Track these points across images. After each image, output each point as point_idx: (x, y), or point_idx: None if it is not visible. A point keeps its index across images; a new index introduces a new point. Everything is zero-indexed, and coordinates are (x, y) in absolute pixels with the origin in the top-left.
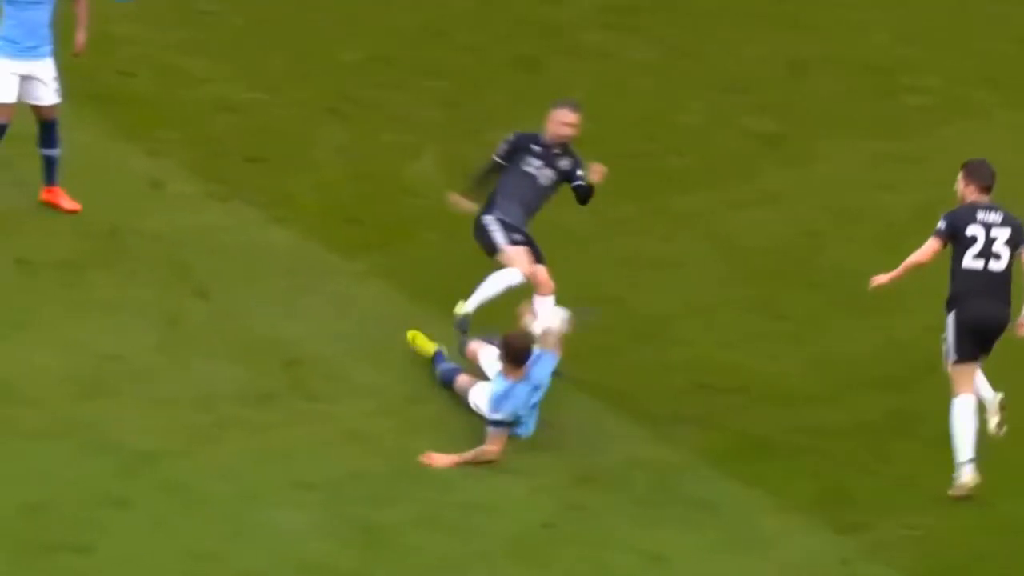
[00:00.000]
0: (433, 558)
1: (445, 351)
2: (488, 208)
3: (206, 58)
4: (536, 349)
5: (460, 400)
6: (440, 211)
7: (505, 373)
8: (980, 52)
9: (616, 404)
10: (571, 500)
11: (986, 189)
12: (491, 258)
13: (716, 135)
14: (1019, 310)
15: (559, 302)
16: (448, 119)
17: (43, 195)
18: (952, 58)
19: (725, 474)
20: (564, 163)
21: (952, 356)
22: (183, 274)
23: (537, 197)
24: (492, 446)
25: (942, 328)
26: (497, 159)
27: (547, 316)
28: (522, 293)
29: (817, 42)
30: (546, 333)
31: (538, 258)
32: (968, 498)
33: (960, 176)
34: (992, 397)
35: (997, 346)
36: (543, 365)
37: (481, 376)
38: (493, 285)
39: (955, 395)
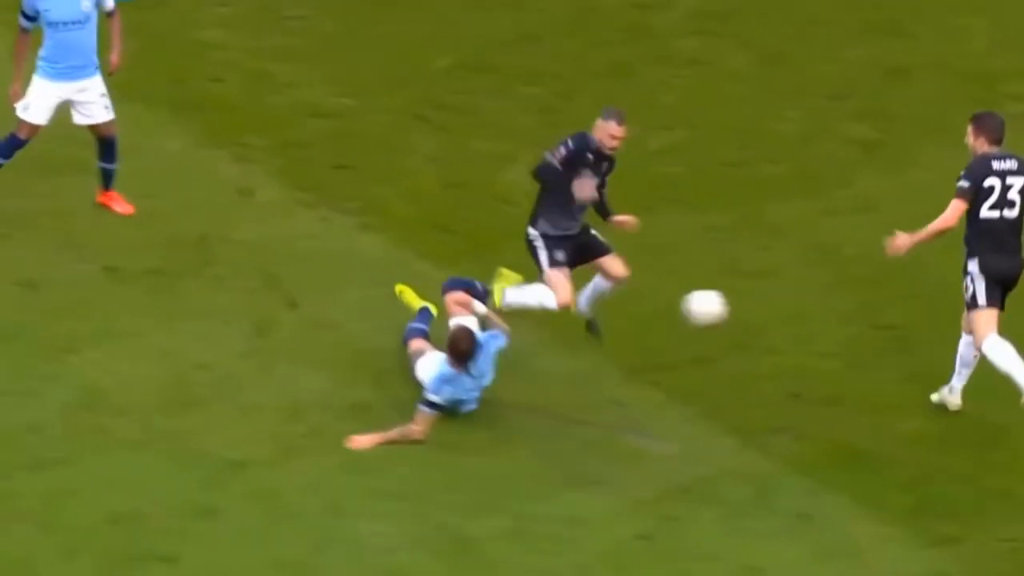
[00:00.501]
0: (524, 571)
1: (433, 310)
2: (534, 220)
3: (295, 64)
4: (483, 337)
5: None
6: None
7: (450, 364)
8: None
9: (710, 414)
10: (665, 512)
11: (996, 141)
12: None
13: (813, 142)
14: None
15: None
16: (541, 126)
17: (100, 198)
18: None
19: (820, 485)
20: (605, 167)
21: (981, 301)
22: (272, 282)
23: (583, 206)
24: (419, 426)
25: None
26: (555, 164)
27: (705, 303)
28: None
29: (916, 48)
30: (489, 311)
31: (603, 250)
32: None
33: (970, 129)
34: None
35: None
36: (484, 356)
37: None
38: (532, 298)
39: (982, 341)
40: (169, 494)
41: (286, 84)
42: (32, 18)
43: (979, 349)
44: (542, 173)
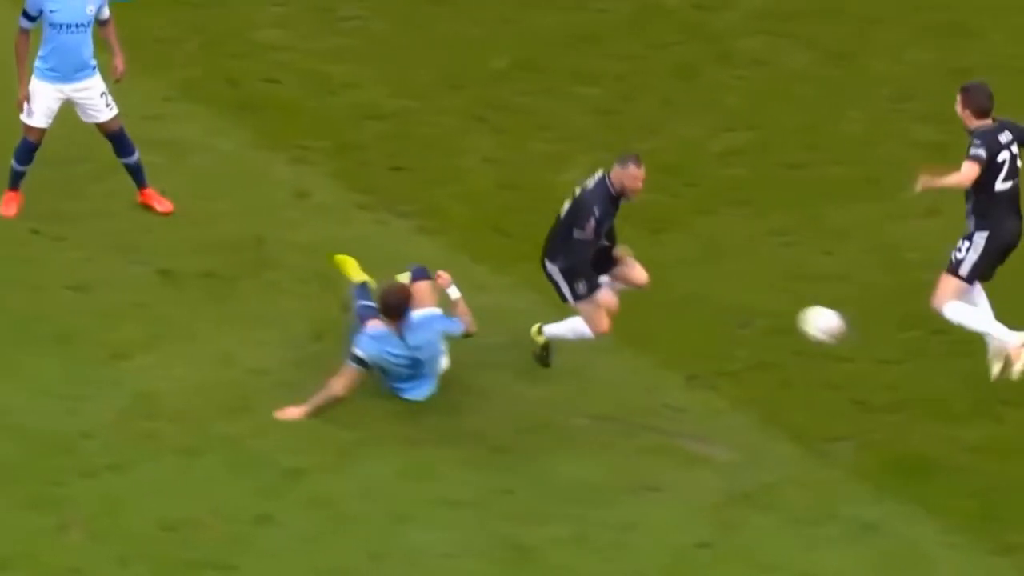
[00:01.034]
0: None
1: (372, 284)
2: (552, 255)
3: (351, 65)
4: (423, 311)
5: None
6: None
7: (383, 320)
8: None
9: (772, 420)
10: (726, 519)
11: (986, 113)
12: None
13: (878, 144)
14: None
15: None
16: (600, 127)
17: (139, 199)
18: None
19: (884, 493)
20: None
21: (963, 273)
22: (328, 286)
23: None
24: (339, 379)
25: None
26: (591, 239)
27: (821, 320)
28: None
29: (981, 49)
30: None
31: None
32: None
33: (959, 99)
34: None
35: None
36: (426, 330)
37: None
38: (570, 332)
39: (943, 304)
40: (225, 501)
41: (342, 85)
42: (33, 18)
43: (937, 309)
44: (582, 254)
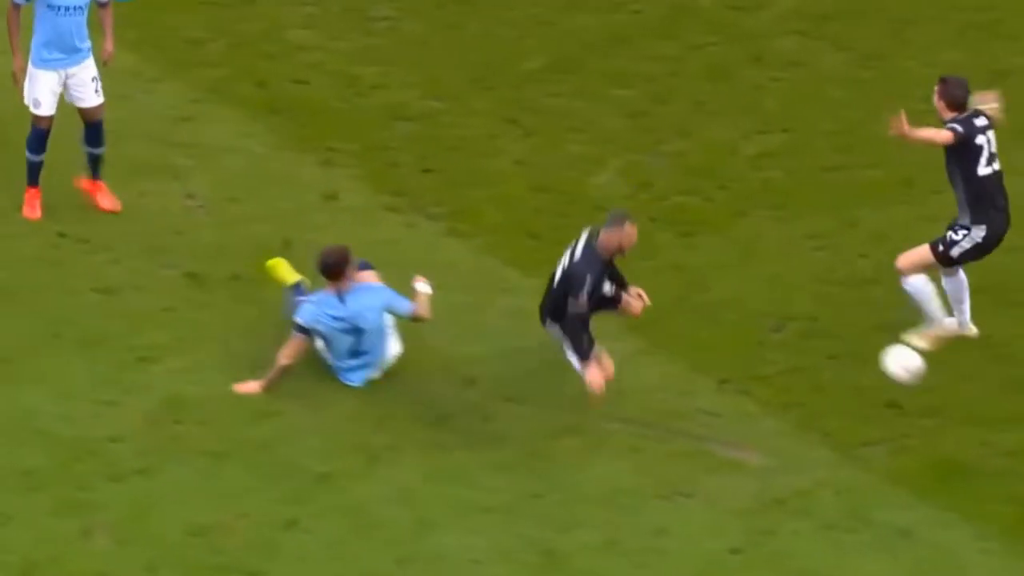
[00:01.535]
0: None
1: (307, 284)
2: (553, 315)
3: (381, 66)
4: (380, 285)
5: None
6: None
7: (326, 285)
8: None
9: (805, 425)
10: (759, 525)
11: (958, 105)
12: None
13: (910, 147)
14: None
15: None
16: (633, 129)
17: (83, 184)
18: None
19: (919, 498)
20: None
21: (956, 256)
22: None
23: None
24: (284, 349)
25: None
26: (586, 307)
27: (903, 358)
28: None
29: (1018, 50)
30: None
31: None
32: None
33: (936, 90)
34: (970, 331)
35: None
36: (369, 296)
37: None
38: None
39: (911, 273)
40: (253, 506)
41: (372, 86)
42: None
43: (900, 269)
44: (579, 321)
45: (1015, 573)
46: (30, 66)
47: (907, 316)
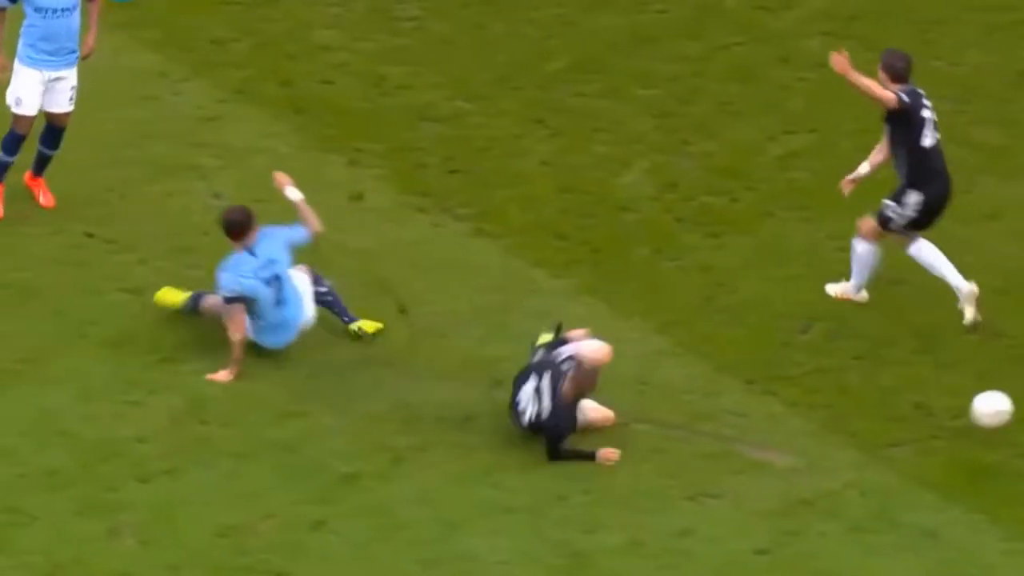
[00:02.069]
0: None
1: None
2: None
3: (407, 66)
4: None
5: (216, 319)
6: (650, 226)
7: (233, 247)
8: None
9: (832, 426)
10: (785, 526)
11: (899, 77)
12: None
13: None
14: None
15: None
16: (659, 130)
17: (27, 180)
18: None
19: (946, 500)
20: None
21: (897, 225)
22: (383, 289)
23: None
24: (230, 325)
25: None
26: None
27: (992, 407)
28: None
29: None
30: None
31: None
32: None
33: (881, 65)
34: (967, 287)
35: None
36: (271, 240)
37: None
38: None
39: (865, 238)
40: (278, 507)
41: (398, 86)
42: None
43: (860, 231)
44: (569, 453)
45: None
46: (16, 62)
47: (935, 317)
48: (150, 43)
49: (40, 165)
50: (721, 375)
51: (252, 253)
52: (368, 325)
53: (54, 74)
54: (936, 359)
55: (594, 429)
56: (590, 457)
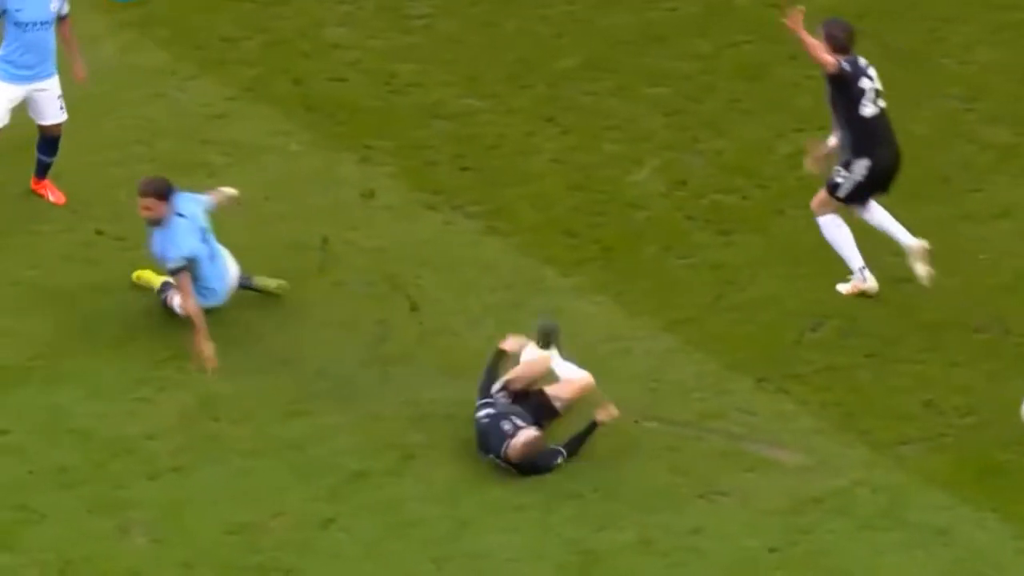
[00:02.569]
0: None
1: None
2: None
3: (418, 64)
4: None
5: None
6: (660, 224)
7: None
8: None
9: (843, 424)
10: (795, 524)
11: (841, 48)
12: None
13: (947, 145)
14: None
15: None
16: (669, 128)
17: (33, 186)
18: None
19: (956, 497)
20: None
21: (843, 195)
22: (394, 287)
23: None
24: (183, 296)
25: None
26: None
27: None
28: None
29: None
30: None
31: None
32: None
33: (821, 34)
34: (916, 244)
35: None
36: (188, 201)
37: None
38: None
39: (822, 216)
40: (288, 504)
41: (409, 84)
42: None
43: (814, 212)
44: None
45: None
46: None
47: (945, 315)
48: (159, 40)
49: (42, 171)
50: (731, 373)
51: (180, 215)
52: (271, 281)
53: (31, 86)
54: (946, 357)
55: (581, 399)
56: (592, 429)
